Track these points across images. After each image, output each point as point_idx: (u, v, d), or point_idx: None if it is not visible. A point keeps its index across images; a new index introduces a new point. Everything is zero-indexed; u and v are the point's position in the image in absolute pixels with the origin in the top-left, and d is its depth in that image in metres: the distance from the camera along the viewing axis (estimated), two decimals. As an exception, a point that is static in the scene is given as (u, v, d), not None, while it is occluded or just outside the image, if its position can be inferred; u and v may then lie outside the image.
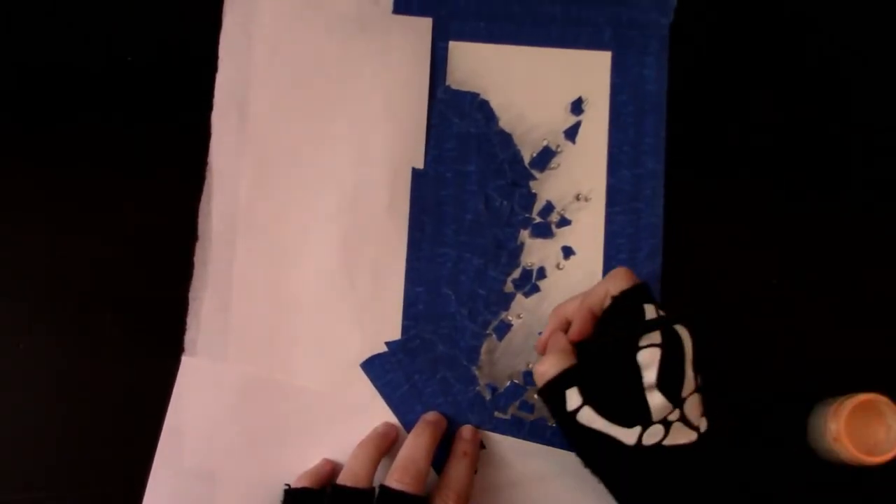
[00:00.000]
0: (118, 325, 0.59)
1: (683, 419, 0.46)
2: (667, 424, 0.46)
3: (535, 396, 0.58)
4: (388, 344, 0.58)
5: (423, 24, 0.61)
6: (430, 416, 0.57)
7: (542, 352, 0.53)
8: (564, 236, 0.59)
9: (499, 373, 0.58)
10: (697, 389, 0.47)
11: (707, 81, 0.61)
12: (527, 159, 0.60)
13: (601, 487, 0.56)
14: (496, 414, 0.58)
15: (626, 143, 0.60)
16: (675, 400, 0.46)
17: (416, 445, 0.53)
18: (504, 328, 0.59)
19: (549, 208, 0.60)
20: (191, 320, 0.58)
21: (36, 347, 0.58)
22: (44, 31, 0.61)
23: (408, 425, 0.58)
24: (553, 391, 0.48)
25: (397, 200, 0.60)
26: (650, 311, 0.47)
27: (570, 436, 0.49)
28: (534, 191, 0.60)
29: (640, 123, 0.60)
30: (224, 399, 0.57)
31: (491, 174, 0.60)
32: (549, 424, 0.57)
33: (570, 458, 0.57)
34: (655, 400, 0.45)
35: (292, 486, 0.54)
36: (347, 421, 0.57)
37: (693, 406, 0.47)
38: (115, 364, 0.58)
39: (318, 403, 0.58)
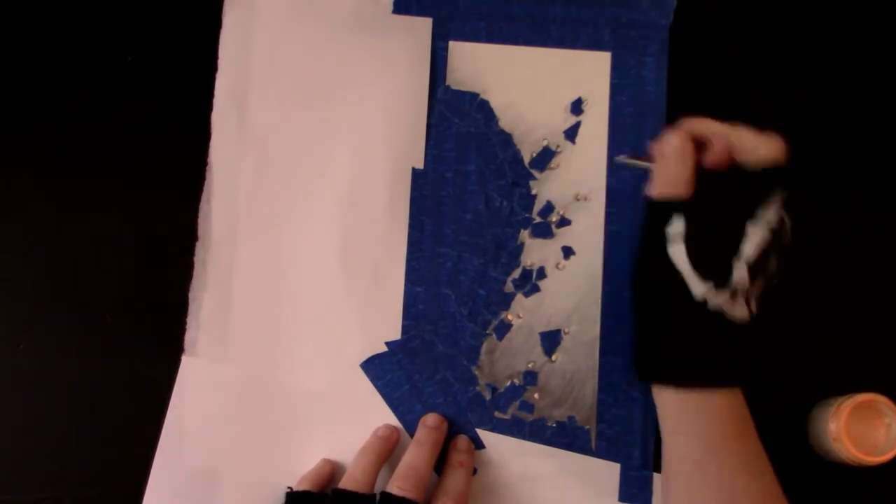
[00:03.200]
0: (118, 325, 0.58)
1: (748, 297, 0.47)
2: (734, 295, 0.47)
3: (536, 396, 0.58)
4: (388, 344, 0.58)
5: (423, 24, 0.61)
6: (431, 420, 0.57)
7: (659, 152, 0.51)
8: (564, 236, 0.59)
9: (499, 373, 0.58)
10: (770, 278, 0.48)
11: (706, 82, 0.61)
12: (527, 159, 0.60)
13: (602, 487, 0.56)
14: (496, 414, 0.58)
15: (626, 143, 0.60)
16: (754, 278, 0.47)
17: (417, 454, 0.54)
18: (504, 328, 0.59)
19: (549, 208, 0.60)
20: (191, 320, 0.58)
21: (36, 348, 0.58)
22: (44, 31, 0.61)
23: (408, 425, 0.58)
24: (662, 210, 0.48)
25: (397, 200, 0.60)
26: (776, 199, 0.47)
27: (647, 254, 0.49)
28: (534, 191, 0.60)
29: (640, 124, 0.60)
30: (224, 399, 0.57)
31: (491, 174, 0.60)
32: (549, 425, 0.57)
33: (570, 458, 0.57)
34: (741, 273, 0.46)
35: (294, 488, 0.54)
36: (347, 421, 0.57)
37: (758, 288, 0.48)
38: (116, 364, 0.58)
39: (318, 403, 0.58)
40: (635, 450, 0.57)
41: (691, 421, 0.47)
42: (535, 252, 0.59)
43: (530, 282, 0.59)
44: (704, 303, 0.47)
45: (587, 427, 0.57)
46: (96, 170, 0.60)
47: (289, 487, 0.54)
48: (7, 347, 0.58)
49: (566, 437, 0.57)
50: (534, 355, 0.58)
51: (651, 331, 0.50)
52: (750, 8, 0.61)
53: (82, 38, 0.61)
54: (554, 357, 0.58)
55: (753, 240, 0.46)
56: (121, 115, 0.61)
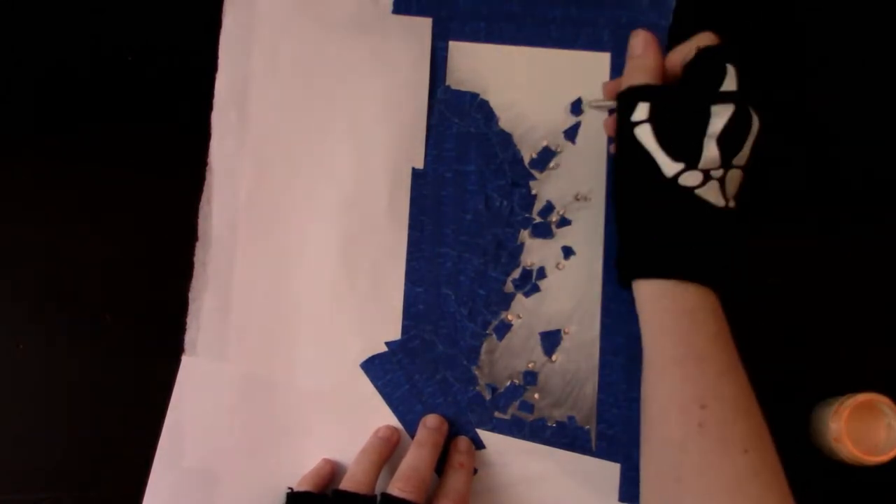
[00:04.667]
0: (118, 325, 0.58)
1: (722, 182, 0.48)
2: (707, 176, 0.47)
3: (536, 396, 0.58)
4: (388, 344, 0.58)
5: (423, 24, 0.61)
6: (432, 422, 0.57)
7: (613, 89, 0.54)
8: (564, 236, 0.60)
9: (499, 373, 0.58)
10: (743, 168, 0.49)
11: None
12: (527, 159, 0.60)
13: (602, 487, 0.56)
14: (496, 414, 0.58)
15: (626, 143, 0.60)
16: (725, 161, 0.47)
17: (418, 455, 0.54)
18: (504, 328, 0.59)
19: (549, 208, 0.60)
20: (191, 320, 0.58)
21: (36, 348, 0.58)
22: (44, 31, 0.61)
23: (408, 425, 0.58)
24: (629, 97, 0.49)
25: (397, 200, 0.60)
26: (731, 71, 0.48)
27: (620, 146, 0.50)
28: (534, 191, 0.60)
29: (640, 124, 0.60)
30: (224, 399, 0.57)
31: (491, 174, 0.60)
32: (549, 425, 0.57)
33: (570, 458, 0.57)
34: (710, 150, 0.47)
35: (294, 489, 0.54)
36: (347, 421, 0.57)
37: (733, 179, 0.48)
38: (115, 364, 0.58)
39: (318, 403, 0.58)
40: (635, 450, 0.57)
41: (669, 317, 0.48)
42: (535, 252, 0.59)
43: (530, 282, 0.59)
44: (676, 182, 0.47)
45: (587, 427, 0.57)
46: (96, 170, 0.60)
47: (289, 488, 0.54)
48: (7, 347, 0.58)
49: (566, 437, 0.57)
50: (534, 355, 0.58)
51: (628, 225, 0.51)
52: (749, 8, 0.61)
53: (82, 38, 0.61)
54: (554, 357, 0.58)
55: (719, 117, 0.47)
56: (121, 115, 0.61)
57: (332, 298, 0.59)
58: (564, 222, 0.60)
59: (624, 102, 0.50)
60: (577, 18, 0.61)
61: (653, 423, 0.47)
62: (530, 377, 0.58)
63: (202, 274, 0.59)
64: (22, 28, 0.61)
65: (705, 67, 0.49)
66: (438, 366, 0.58)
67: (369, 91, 0.60)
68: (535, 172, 0.60)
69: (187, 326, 0.58)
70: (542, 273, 0.59)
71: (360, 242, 0.59)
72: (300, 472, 0.56)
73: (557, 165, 0.60)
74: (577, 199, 0.60)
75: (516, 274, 0.59)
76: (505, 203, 0.60)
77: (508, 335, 0.59)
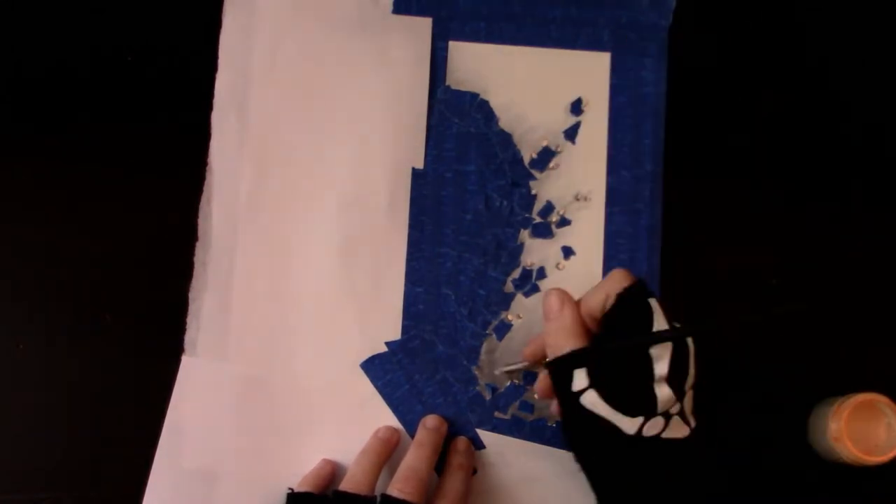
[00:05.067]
0: (118, 325, 0.58)
1: (682, 413, 0.46)
2: (667, 417, 0.46)
3: (535, 397, 0.58)
4: (388, 344, 0.58)
5: (423, 24, 0.61)
6: (431, 422, 0.57)
7: (532, 352, 0.53)
8: (564, 236, 0.60)
9: (499, 373, 0.58)
10: (693, 385, 0.47)
11: (705, 83, 0.61)
12: (527, 159, 0.60)
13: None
14: (496, 414, 0.58)
15: (626, 143, 0.60)
16: (680, 393, 0.46)
17: (418, 456, 0.54)
18: (504, 328, 0.59)
19: (549, 208, 0.60)
20: (191, 320, 0.58)
21: (36, 348, 0.58)
22: (44, 32, 0.61)
23: (408, 425, 0.58)
24: (561, 368, 0.48)
25: (397, 200, 0.60)
26: (655, 306, 0.47)
27: (568, 417, 0.48)
28: (534, 191, 0.60)
29: (640, 124, 0.60)
30: (224, 399, 0.57)
31: (491, 174, 0.60)
32: (549, 425, 0.57)
33: (570, 459, 0.57)
34: (664, 392, 0.45)
35: (295, 489, 0.54)
36: (347, 421, 0.57)
37: (689, 401, 0.47)
38: (115, 364, 0.58)
39: (318, 403, 0.58)
40: (635, 450, 0.57)
41: None
42: (535, 252, 0.59)
43: (530, 282, 0.59)
44: (641, 436, 0.45)
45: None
46: (96, 170, 0.60)
47: (289, 489, 0.54)
48: (7, 347, 0.58)
49: (566, 437, 0.57)
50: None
51: (604, 489, 0.48)
52: (749, 9, 0.61)
53: (82, 38, 0.61)
54: (554, 357, 0.58)
55: (661, 358, 0.45)
56: (121, 115, 0.61)
57: (332, 298, 0.59)
58: (564, 222, 0.60)
59: (558, 372, 0.48)
60: (577, 18, 0.61)
61: None
62: (530, 377, 0.58)
63: (202, 274, 0.59)
64: (22, 28, 0.61)
65: (630, 312, 0.47)
66: (438, 366, 0.58)
67: (369, 91, 0.60)
68: (535, 172, 0.60)
69: (187, 326, 0.58)
70: (542, 273, 0.59)
71: (360, 242, 0.59)
72: (300, 472, 0.56)
73: (557, 165, 0.60)
74: (577, 199, 0.60)
75: (516, 274, 0.59)
76: (505, 203, 0.60)
77: (508, 335, 0.59)
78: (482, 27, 0.61)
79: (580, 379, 0.46)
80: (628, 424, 0.45)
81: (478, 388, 0.58)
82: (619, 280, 0.48)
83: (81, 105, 0.61)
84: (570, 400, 0.47)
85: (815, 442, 0.56)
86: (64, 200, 0.60)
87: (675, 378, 0.45)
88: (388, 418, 0.58)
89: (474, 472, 0.57)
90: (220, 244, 0.59)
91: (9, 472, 0.57)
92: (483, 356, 0.58)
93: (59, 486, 0.57)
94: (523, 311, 0.59)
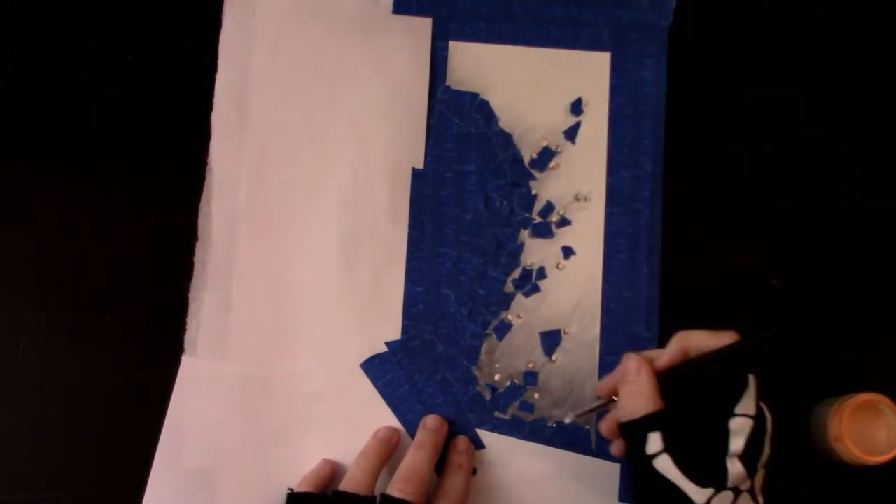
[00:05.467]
0: (118, 325, 0.58)
1: (752, 491, 0.46)
2: (737, 492, 0.45)
3: (536, 396, 0.58)
4: (388, 344, 0.58)
5: (423, 24, 0.61)
6: (431, 423, 0.57)
7: (605, 394, 0.52)
8: (564, 236, 0.60)
9: (499, 373, 0.58)
10: (766, 465, 0.47)
11: (705, 83, 0.61)
12: (527, 159, 0.60)
13: (602, 487, 0.56)
14: (496, 414, 0.58)
15: (626, 143, 0.60)
16: (752, 471, 0.46)
17: (418, 456, 0.54)
18: (504, 328, 0.59)
19: (549, 208, 0.60)
20: (191, 320, 0.58)
21: (36, 348, 0.58)
22: (44, 31, 0.61)
23: (408, 426, 0.57)
24: (636, 431, 0.47)
25: (397, 200, 0.60)
26: (751, 385, 0.46)
27: (639, 478, 0.48)
28: (534, 191, 0.60)
29: (639, 124, 0.60)
30: (224, 399, 0.57)
31: (491, 174, 0.60)
32: (549, 425, 0.57)
33: (570, 458, 0.57)
34: (736, 468, 0.45)
35: (295, 490, 0.54)
36: (347, 421, 0.57)
37: (761, 479, 0.47)
38: (115, 364, 0.58)
39: (318, 403, 0.58)
40: (635, 450, 0.57)
41: None
42: (535, 252, 0.59)
43: (530, 282, 0.59)
44: None
45: (587, 427, 0.57)
46: (96, 170, 0.60)
47: (289, 489, 0.54)
48: (7, 347, 0.58)
49: (566, 437, 0.57)
50: (534, 355, 0.58)
51: None
52: (749, 9, 0.61)
53: (82, 38, 0.61)
54: (554, 357, 0.58)
55: (739, 434, 0.45)
56: (121, 115, 0.61)
57: (332, 298, 0.59)
58: (564, 222, 0.60)
59: (632, 435, 0.48)
60: (577, 18, 0.61)
61: None
62: (530, 377, 0.58)
63: (202, 274, 0.59)
64: (22, 28, 0.61)
65: (725, 378, 0.47)
66: (438, 366, 0.58)
67: (369, 91, 0.60)
68: (535, 172, 0.60)
69: (187, 326, 0.58)
70: (542, 273, 0.59)
71: (360, 242, 0.59)
72: (300, 472, 0.56)
73: (557, 165, 0.60)
74: (577, 199, 0.60)
75: (516, 274, 0.59)
76: (505, 203, 0.60)
77: (508, 335, 0.59)
78: (482, 27, 0.61)
79: (654, 442, 0.46)
80: (698, 495, 0.45)
81: (478, 388, 0.58)
82: (730, 337, 0.47)
83: (81, 105, 0.61)
84: (643, 462, 0.47)
85: (815, 442, 0.56)
86: (64, 200, 0.60)
87: (750, 455, 0.45)
88: (388, 418, 0.58)
89: (474, 472, 0.57)
90: (220, 244, 0.59)
91: (9, 472, 0.57)
92: (483, 356, 0.58)
93: (59, 486, 0.57)
94: (523, 311, 0.59)
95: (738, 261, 0.59)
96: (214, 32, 0.61)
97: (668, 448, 0.46)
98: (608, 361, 0.58)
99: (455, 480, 0.54)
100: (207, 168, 0.60)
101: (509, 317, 0.59)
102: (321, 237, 0.59)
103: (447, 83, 0.61)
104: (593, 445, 0.57)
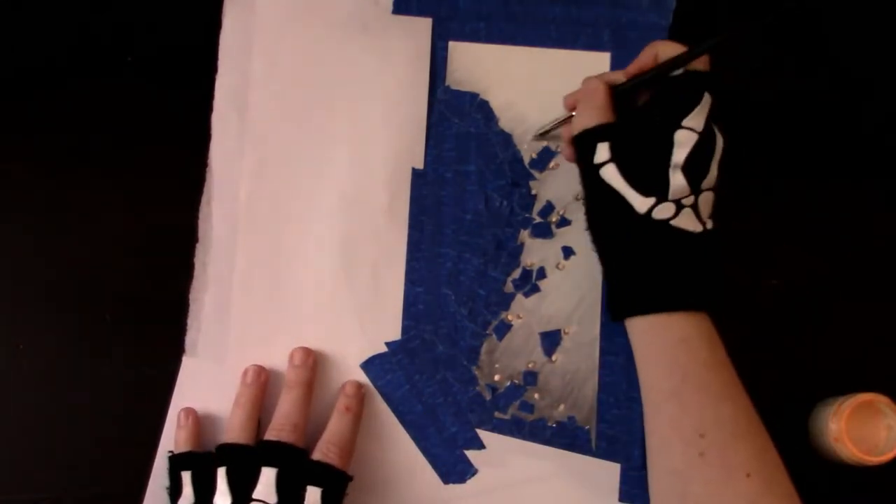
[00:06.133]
0: (118, 325, 0.58)
1: (695, 208, 0.48)
2: (679, 206, 0.47)
3: (536, 396, 0.58)
4: (388, 344, 0.58)
5: (423, 24, 0.61)
6: (297, 357, 0.56)
7: (573, 103, 0.54)
8: (564, 236, 0.60)
9: (499, 373, 0.58)
10: (714, 189, 0.49)
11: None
12: (527, 159, 0.60)
13: (602, 487, 0.55)
14: (496, 414, 0.58)
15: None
16: (695, 187, 0.47)
17: (288, 399, 0.55)
18: (504, 328, 0.59)
19: (549, 208, 0.60)
20: (191, 321, 0.58)
21: (36, 348, 0.58)
22: (44, 31, 0.61)
23: (408, 425, 0.57)
24: (586, 141, 0.50)
25: (397, 200, 0.60)
26: (706, 101, 0.48)
27: (588, 189, 0.50)
28: (534, 191, 0.60)
29: (640, 124, 0.60)
30: (224, 399, 0.57)
31: (491, 174, 0.60)
32: (549, 425, 0.57)
33: (570, 458, 0.57)
34: (678, 179, 0.47)
35: (175, 452, 0.55)
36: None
37: (706, 202, 0.48)
38: (116, 365, 0.58)
39: (318, 403, 0.57)
40: (635, 450, 0.57)
41: (663, 350, 0.48)
42: (535, 252, 0.59)
43: (530, 282, 0.59)
44: (650, 217, 0.47)
45: (587, 427, 0.57)
46: (96, 170, 0.60)
47: (169, 451, 0.55)
48: (7, 347, 0.58)
49: (566, 437, 0.57)
50: (534, 355, 0.58)
51: (611, 265, 0.51)
52: (749, 8, 0.61)
53: (83, 38, 0.61)
54: (554, 357, 0.58)
55: (683, 146, 0.47)
56: (121, 115, 0.61)
57: (332, 298, 0.59)
58: (564, 222, 0.60)
59: (582, 145, 0.50)
60: (577, 18, 0.61)
61: (656, 454, 0.48)
62: (530, 377, 0.58)
63: (202, 274, 0.59)
64: (22, 28, 0.61)
65: (679, 94, 0.48)
66: (438, 366, 0.58)
67: (369, 91, 0.60)
68: (535, 172, 0.60)
69: (188, 327, 0.58)
70: (542, 273, 0.59)
71: (360, 242, 0.59)
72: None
73: (557, 165, 0.60)
74: (577, 199, 0.60)
75: (516, 274, 0.59)
76: (505, 203, 0.60)
77: (508, 335, 0.59)
78: (482, 27, 0.61)
79: (602, 151, 0.48)
80: (640, 202, 0.47)
81: (478, 388, 0.58)
82: (670, 48, 0.49)
83: (82, 105, 0.61)
84: (590, 171, 0.49)
85: (816, 442, 0.56)
86: (64, 200, 0.60)
87: (693, 169, 0.47)
88: (388, 419, 0.58)
89: (475, 472, 0.57)
90: (220, 244, 0.59)
91: (9, 472, 0.57)
92: (483, 356, 0.58)
93: (59, 486, 0.57)
94: (523, 311, 0.59)
95: (738, 261, 0.59)
96: (214, 32, 0.61)
97: (615, 158, 0.48)
98: (608, 361, 0.58)
99: (341, 423, 0.55)
100: (207, 168, 0.60)
101: (509, 317, 0.59)
102: (321, 237, 0.59)
103: (447, 83, 0.61)
104: (593, 445, 0.57)
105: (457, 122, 0.60)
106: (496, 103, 0.60)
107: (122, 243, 0.59)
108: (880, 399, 0.53)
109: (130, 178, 0.60)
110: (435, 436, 0.57)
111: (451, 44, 0.61)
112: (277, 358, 0.58)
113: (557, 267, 0.59)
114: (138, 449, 0.56)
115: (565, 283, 0.59)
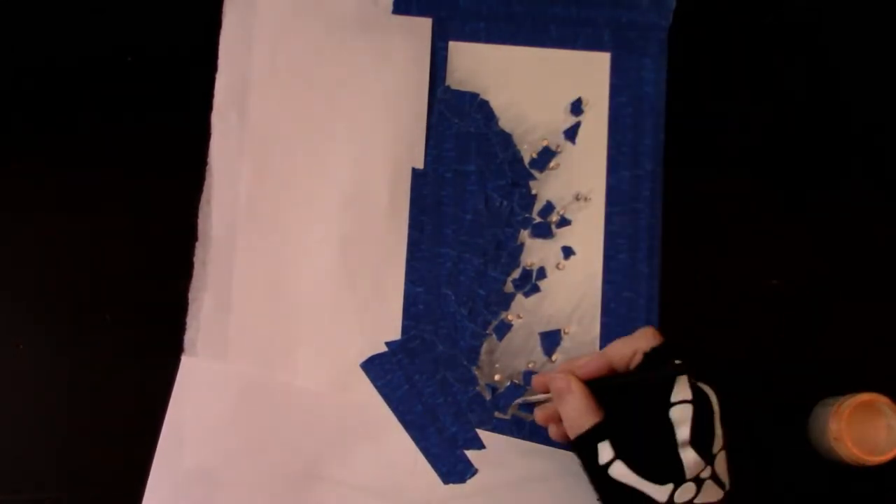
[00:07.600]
0: (118, 325, 0.58)
1: (714, 476, 0.46)
2: (699, 482, 0.45)
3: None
4: (388, 344, 0.58)
5: (423, 25, 0.61)
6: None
7: (541, 389, 0.52)
8: (564, 236, 0.60)
9: (499, 373, 0.58)
10: (724, 446, 0.47)
11: (705, 83, 0.61)
12: (527, 159, 0.60)
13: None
14: (496, 414, 0.58)
15: (626, 143, 0.60)
16: (707, 457, 0.45)
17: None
18: (504, 328, 0.59)
19: (549, 208, 0.60)
20: (190, 320, 0.58)
21: (36, 348, 0.58)
22: (44, 32, 0.61)
23: (408, 425, 0.57)
24: (586, 444, 0.47)
25: (397, 200, 0.60)
26: (681, 380, 0.46)
27: (601, 489, 0.48)
28: (534, 191, 0.60)
29: (639, 124, 0.60)
30: (224, 399, 0.57)
31: (491, 174, 0.60)
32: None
33: (570, 458, 0.57)
34: (689, 457, 0.45)
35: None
36: (347, 421, 0.57)
37: (721, 462, 0.47)
38: (115, 364, 0.58)
39: (318, 404, 0.58)
40: (635, 450, 0.57)
41: None
42: (535, 252, 0.59)
43: (530, 282, 0.59)
44: (672, 502, 0.45)
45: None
46: (96, 170, 0.60)
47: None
48: (7, 347, 0.58)
49: (566, 437, 0.57)
50: (534, 355, 0.58)
51: None
52: (749, 9, 0.62)
53: (82, 38, 0.61)
54: (554, 357, 0.58)
55: (682, 423, 0.45)
56: (121, 115, 0.61)
57: (332, 298, 0.59)
58: (564, 222, 0.60)
59: (583, 449, 0.48)
60: (577, 18, 0.61)
61: None
62: (530, 377, 0.58)
63: (202, 274, 0.59)
64: (22, 28, 0.61)
65: (653, 380, 0.47)
66: (438, 366, 0.58)
67: (369, 91, 0.60)
68: (535, 172, 0.60)
69: (187, 326, 0.58)
70: (542, 273, 0.59)
71: (360, 242, 0.59)
72: (300, 471, 0.56)
73: (557, 165, 0.60)
74: (577, 199, 0.60)
75: (516, 274, 0.59)
76: (505, 203, 0.60)
77: (508, 335, 0.59)
78: (482, 27, 0.61)
79: (605, 452, 0.46)
80: (659, 493, 0.45)
81: (478, 388, 0.58)
82: (649, 338, 0.48)
83: (81, 105, 0.61)
84: (599, 473, 0.47)
85: (816, 442, 0.56)
86: (63, 201, 0.60)
87: (701, 440, 0.45)
88: (388, 419, 0.58)
89: (475, 472, 0.57)
90: (220, 244, 0.59)
91: (9, 472, 0.57)
92: (483, 356, 0.58)
93: (59, 486, 0.57)
94: (523, 312, 0.59)
95: (737, 261, 0.59)
96: (214, 32, 0.61)
97: (620, 454, 0.46)
98: (608, 361, 0.58)
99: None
100: (207, 168, 0.60)
101: (509, 317, 0.59)
102: (321, 237, 0.59)
103: (447, 83, 0.61)
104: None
105: (457, 122, 0.60)
106: (496, 103, 0.60)
107: (122, 242, 0.59)
108: (880, 399, 0.53)
109: (130, 177, 0.60)
110: (435, 436, 0.57)
111: (452, 44, 0.61)
112: (277, 358, 0.58)
113: (557, 267, 0.59)
114: (138, 449, 0.56)
115: (565, 283, 0.59)
